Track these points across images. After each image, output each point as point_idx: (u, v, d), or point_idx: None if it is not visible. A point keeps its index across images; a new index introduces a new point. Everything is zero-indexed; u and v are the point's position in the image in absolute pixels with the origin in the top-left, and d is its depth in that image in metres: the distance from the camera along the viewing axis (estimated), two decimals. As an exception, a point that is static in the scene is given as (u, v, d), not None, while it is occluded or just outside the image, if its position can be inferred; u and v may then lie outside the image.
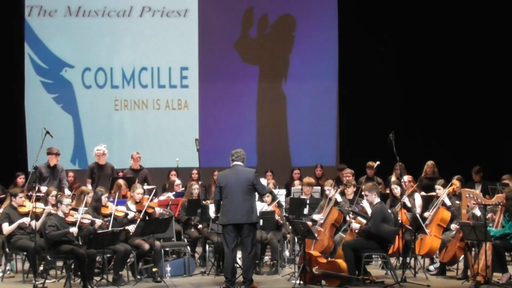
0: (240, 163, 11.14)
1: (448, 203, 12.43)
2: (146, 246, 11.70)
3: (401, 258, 12.12)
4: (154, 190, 13.08)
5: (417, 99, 18.70)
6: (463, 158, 17.20)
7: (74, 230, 11.02)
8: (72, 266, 11.22)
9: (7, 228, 11.89)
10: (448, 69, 18.64)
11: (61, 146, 14.98)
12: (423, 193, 13.52)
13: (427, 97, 18.69)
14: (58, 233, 10.97)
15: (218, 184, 11.09)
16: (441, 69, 18.67)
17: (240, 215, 10.84)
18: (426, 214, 12.55)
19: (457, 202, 12.48)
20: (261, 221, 12.18)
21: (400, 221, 11.69)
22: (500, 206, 11.47)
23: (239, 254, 11.51)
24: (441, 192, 12.57)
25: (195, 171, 15.80)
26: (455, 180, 13.16)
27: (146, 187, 13.34)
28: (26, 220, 11.85)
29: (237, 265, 11.39)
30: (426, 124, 18.64)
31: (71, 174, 15.79)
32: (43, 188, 13.40)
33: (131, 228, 11.85)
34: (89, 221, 11.41)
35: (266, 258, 13.14)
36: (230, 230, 10.89)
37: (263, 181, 11.51)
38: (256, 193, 11.26)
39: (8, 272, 12.28)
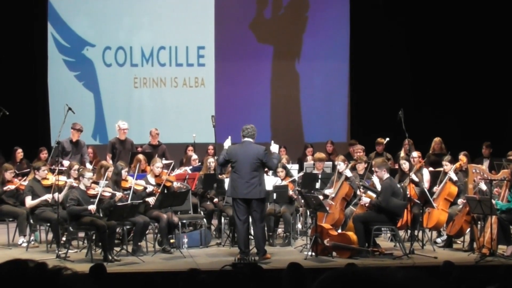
0: (250, 139, 11.09)
1: (455, 178, 12.37)
2: (164, 218, 11.69)
3: (409, 231, 12.07)
4: (171, 165, 13.06)
5: (425, 78, 18.58)
6: (470, 134, 17.09)
7: (92, 207, 11.01)
8: (93, 237, 11.26)
9: (29, 202, 11.94)
10: (457, 47, 18.47)
11: (83, 122, 14.97)
12: (430, 169, 13.44)
13: (436, 76, 18.56)
14: (77, 209, 10.99)
15: (228, 158, 11.06)
16: (450, 47, 18.51)
17: (248, 190, 10.83)
18: (434, 189, 12.49)
19: (465, 179, 12.43)
20: (274, 195, 12.18)
21: (408, 196, 11.65)
22: (505, 181, 11.43)
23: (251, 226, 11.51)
24: (448, 168, 12.50)
25: (211, 147, 15.76)
26: (462, 156, 13.11)
27: (164, 161, 13.33)
28: (48, 197, 11.87)
29: (251, 237, 11.38)
30: (434, 101, 18.52)
31: (90, 150, 15.71)
32: (66, 162, 13.42)
33: (151, 200, 11.87)
34: (110, 194, 11.43)
35: (279, 231, 13.13)
36: (240, 203, 10.91)
37: (275, 147, 11.41)
38: (266, 168, 11.28)
39: (32, 242, 12.32)
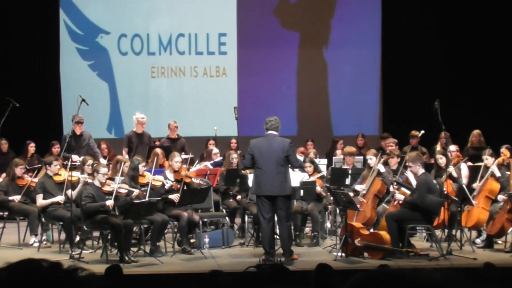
0: (274, 132, 11.06)
1: (498, 174, 12.26)
2: (184, 216, 11.70)
3: (446, 230, 12.03)
4: (189, 159, 13.09)
5: (462, 66, 18.46)
6: (510, 126, 16.97)
7: (110, 203, 11.05)
8: (109, 237, 11.30)
9: (40, 201, 11.99)
10: (495, 33, 18.35)
11: (97, 114, 15.08)
12: (469, 164, 13.34)
13: (473, 63, 18.42)
14: (94, 206, 11.01)
15: (251, 152, 11.03)
16: (488, 33, 18.39)
17: (273, 187, 10.79)
18: (474, 185, 12.38)
19: (507, 172, 12.33)
20: (301, 192, 12.17)
21: (445, 192, 11.59)
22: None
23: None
24: (490, 162, 12.38)
25: (233, 140, 15.78)
26: (504, 149, 13.01)
27: (183, 156, 13.34)
28: (60, 199, 11.91)
29: (276, 237, 11.38)
30: (472, 91, 18.38)
31: (104, 146, 15.72)
32: (75, 157, 13.46)
33: (174, 197, 11.87)
34: (126, 190, 11.44)
35: (307, 230, 13.13)
36: (264, 201, 10.88)
37: (298, 157, 11.46)
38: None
39: (44, 242, 12.39)
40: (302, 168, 12.55)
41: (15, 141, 15.51)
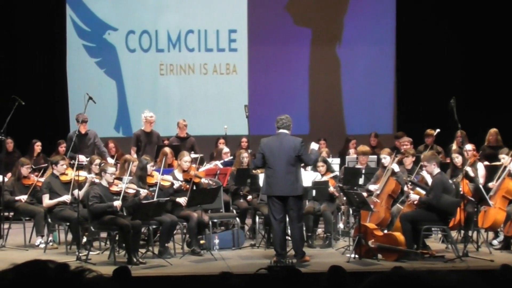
0: (285, 131, 11.03)
1: (515, 173, 12.24)
2: (194, 217, 11.70)
3: (462, 232, 12.00)
4: (199, 159, 13.10)
5: (479, 63, 18.40)
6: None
7: (118, 203, 11.04)
8: (117, 238, 11.31)
9: (47, 201, 12.00)
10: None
11: (105, 112, 15.08)
12: (486, 163, 13.31)
13: (490, 60, 18.36)
14: (101, 206, 11.01)
15: (262, 151, 11.00)
16: (505, 30, 18.33)
17: (284, 187, 10.76)
18: (490, 185, 12.36)
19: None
20: (313, 192, 12.16)
21: (461, 192, 11.56)
22: None
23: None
24: (507, 161, 12.36)
25: (244, 139, 15.77)
26: (521, 148, 12.97)
27: (192, 155, 13.35)
28: (66, 198, 11.92)
29: (288, 238, 11.37)
30: (489, 89, 18.33)
31: (111, 145, 15.73)
32: (81, 157, 13.46)
33: (182, 200, 11.87)
34: (134, 191, 11.44)
35: (319, 231, 13.11)
36: (275, 201, 10.85)
37: (315, 145, 11.37)
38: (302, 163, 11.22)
39: (50, 243, 12.40)
40: (315, 163, 12.52)
41: (20, 140, 15.56)
